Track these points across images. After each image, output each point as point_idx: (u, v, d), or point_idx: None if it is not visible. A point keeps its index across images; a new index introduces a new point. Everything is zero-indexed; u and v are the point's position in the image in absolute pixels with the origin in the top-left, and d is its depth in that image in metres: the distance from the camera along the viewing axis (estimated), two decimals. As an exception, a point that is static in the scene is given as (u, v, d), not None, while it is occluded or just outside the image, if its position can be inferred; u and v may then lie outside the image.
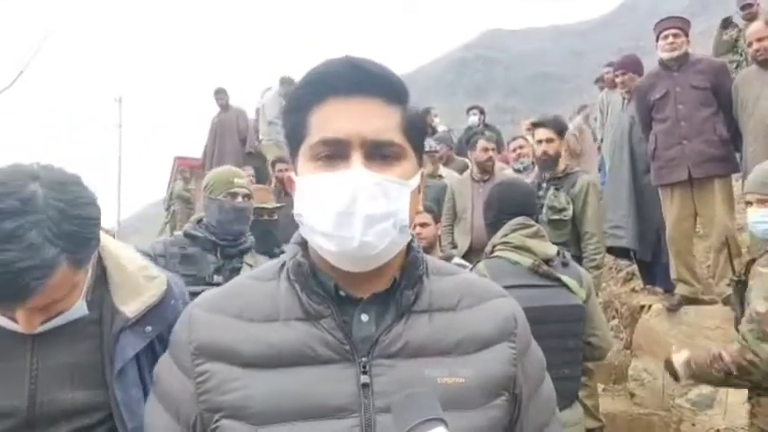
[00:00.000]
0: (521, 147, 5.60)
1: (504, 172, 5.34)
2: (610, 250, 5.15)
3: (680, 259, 4.42)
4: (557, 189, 3.92)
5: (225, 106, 8.82)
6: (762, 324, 2.23)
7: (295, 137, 0.96)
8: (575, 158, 6.38)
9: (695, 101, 4.28)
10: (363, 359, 0.93)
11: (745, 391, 3.05)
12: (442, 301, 1.00)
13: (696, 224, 4.56)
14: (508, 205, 2.65)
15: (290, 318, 0.95)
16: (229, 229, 2.74)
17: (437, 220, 3.50)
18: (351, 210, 0.88)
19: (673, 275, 4.51)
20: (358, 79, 0.91)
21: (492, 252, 2.55)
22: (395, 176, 0.92)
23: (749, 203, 2.80)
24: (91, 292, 1.25)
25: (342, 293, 0.96)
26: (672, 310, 4.53)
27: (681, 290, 4.48)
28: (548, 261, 2.47)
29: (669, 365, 2.58)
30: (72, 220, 1.08)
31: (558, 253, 2.54)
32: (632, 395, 4.67)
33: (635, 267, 5.74)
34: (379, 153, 0.91)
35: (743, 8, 6.49)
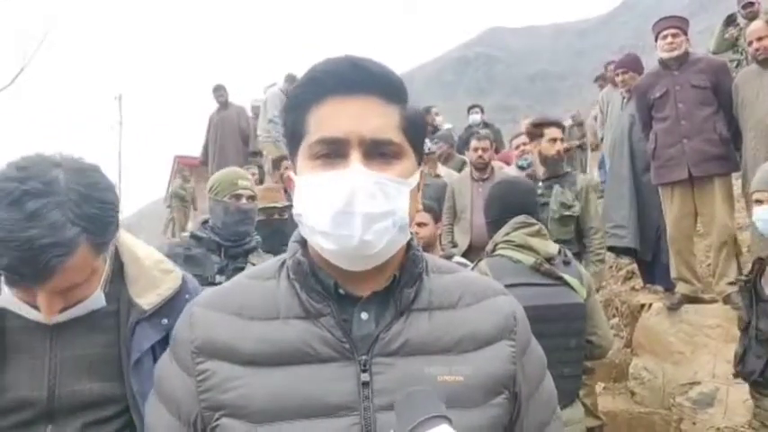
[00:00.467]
0: (524, 143, 5.60)
1: (503, 171, 5.34)
2: (611, 249, 5.16)
3: (680, 258, 4.42)
4: (561, 187, 3.96)
5: (224, 103, 8.74)
6: None
7: (294, 135, 0.96)
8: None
9: (695, 100, 4.27)
10: (363, 357, 0.93)
11: (746, 390, 3.05)
12: (442, 299, 1.00)
13: (696, 223, 4.56)
14: (509, 204, 2.65)
15: (290, 316, 0.95)
16: (235, 230, 2.76)
17: (437, 219, 3.49)
18: (349, 209, 0.88)
19: (673, 274, 4.51)
20: (357, 78, 0.91)
21: (494, 250, 2.55)
22: (394, 175, 0.92)
23: (759, 202, 2.80)
24: (108, 285, 1.28)
25: (341, 292, 0.96)
26: (672, 308, 4.53)
27: (681, 289, 4.48)
28: (549, 259, 2.47)
29: None
30: (92, 203, 1.12)
31: (560, 251, 2.54)
32: (633, 394, 4.67)
33: (635, 266, 5.74)
34: (377, 152, 0.91)
35: (744, 7, 6.47)
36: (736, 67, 6.13)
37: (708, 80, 4.27)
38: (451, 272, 1.06)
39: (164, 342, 1.30)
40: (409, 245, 1.01)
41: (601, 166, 8.71)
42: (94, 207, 1.12)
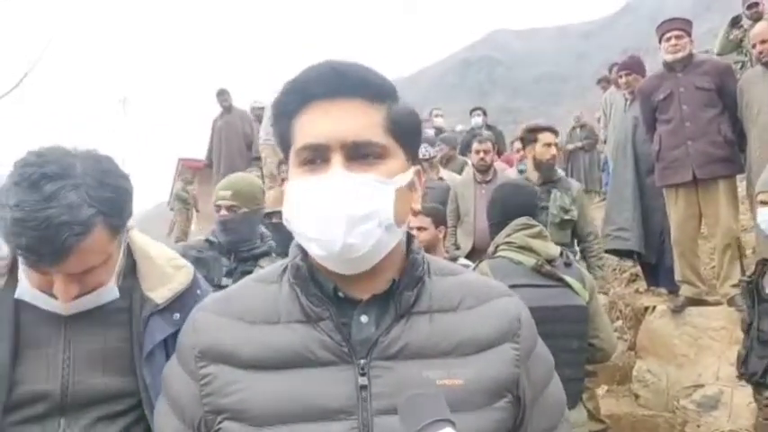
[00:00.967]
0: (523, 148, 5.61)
1: (506, 173, 5.34)
2: (613, 252, 5.15)
3: (684, 260, 4.40)
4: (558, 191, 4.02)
5: (228, 108, 8.80)
6: None
7: (283, 143, 0.98)
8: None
9: (700, 101, 4.26)
10: (362, 361, 0.92)
11: (751, 392, 3.04)
12: (443, 302, 0.99)
13: (701, 225, 4.54)
14: (512, 206, 2.66)
15: (291, 320, 0.95)
16: (224, 239, 2.79)
17: (438, 223, 3.47)
18: (331, 213, 0.89)
19: (677, 277, 4.50)
20: (337, 82, 0.92)
21: (495, 252, 2.55)
22: (378, 176, 0.91)
23: (764, 203, 2.79)
24: (121, 280, 1.30)
25: (341, 295, 0.96)
26: (676, 311, 4.52)
27: (685, 291, 4.46)
28: (550, 261, 2.47)
29: None
30: (108, 188, 1.16)
31: (561, 254, 2.54)
32: (636, 396, 4.66)
33: (639, 268, 5.72)
34: (360, 154, 0.91)
35: (749, 7, 6.47)
36: (741, 68, 6.13)
37: (712, 82, 4.26)
38: (454, 274, 1.05)
39: (176, 337, 1.32)
40: (410, 248, 1.01)
41: (603, 168, 8.70)
42: (110, 191, 1.16)
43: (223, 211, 2.81)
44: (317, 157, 0.92)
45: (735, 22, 6.53)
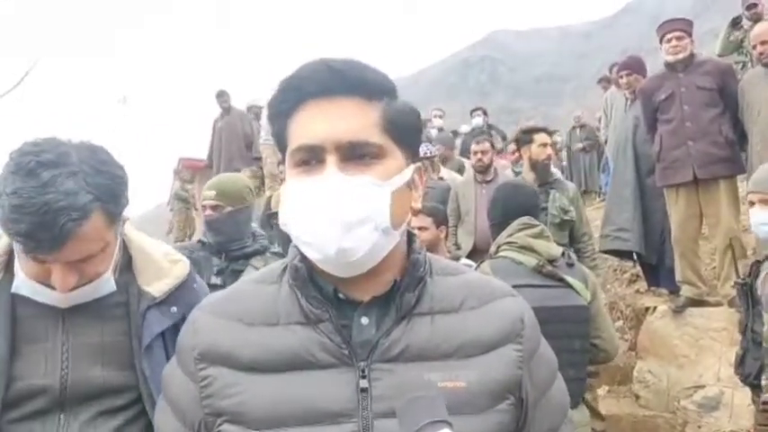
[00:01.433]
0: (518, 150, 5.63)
1: (506, 172, 5.35)
2: (613, 252, 5.14)
3: (685, 261, 4.40)
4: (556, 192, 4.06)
5: (227, 109, 8.84)
6: None
7: (280, 144, 0.96)
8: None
9: (701, 102, 4.26)
10: (362, 363, 0.91)
11: (750, 393, 3.04)
12: (445, 302, 0.98)
13: (701, 225, 4.54)
14: (512, 206, 2.66)
15: (291, 322, 0.94)
16: (212, 239, 2.80)
17: (440, 222, 3.47)
18: (325, 216, 0.87)
19: (678, 277, 4.49)
20: (332, 81, 0.90)
21: (497, 252, 2.55)
22: (374, 177, 0.90)
23: (752, 203, 2.78)
24: (118, 274, 1.30)
25: (341, 296, 0.95)
26: (677, 311, 4.51)
27: (686, 291, 4.46)
28: (552, 261, 2.46)
29: None
30: (104, 175, 1.17)
31: (563, 254, 2.53)
32: (637, 397, 4.66)
33: (640, 269, 5.72)
34: (356, 154, 0.90)
35: (748, 8, 6.47)
36: (742, 68, 6.12)
37: (713, 82, 4.26)
38: (456, 273, 1.04)
39: (173, 330, 1.32)
40: (411, 248, 0.99)
41: (604, 168, 8.69)
42: (106, 178, 1.17)
43: (208, 211, 2.82)
44: (311, 158, 0.90)
45: (735, 23, 6.53)
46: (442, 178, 5.78)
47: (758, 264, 2.80)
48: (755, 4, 6.41)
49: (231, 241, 2.78)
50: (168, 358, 1.29)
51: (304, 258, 0.96)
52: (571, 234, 4.10)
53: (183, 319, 1.33)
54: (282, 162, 1.02)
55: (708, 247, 5.27)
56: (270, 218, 3.98)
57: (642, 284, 5.76)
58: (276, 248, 3.16)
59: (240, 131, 8.75)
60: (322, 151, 0.89)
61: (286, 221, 0.93)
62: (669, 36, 4.40)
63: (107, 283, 1.26)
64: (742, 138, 4.29)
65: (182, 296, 1.35)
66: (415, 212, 1.00)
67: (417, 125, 1.00)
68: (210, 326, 0.97)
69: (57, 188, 1.09)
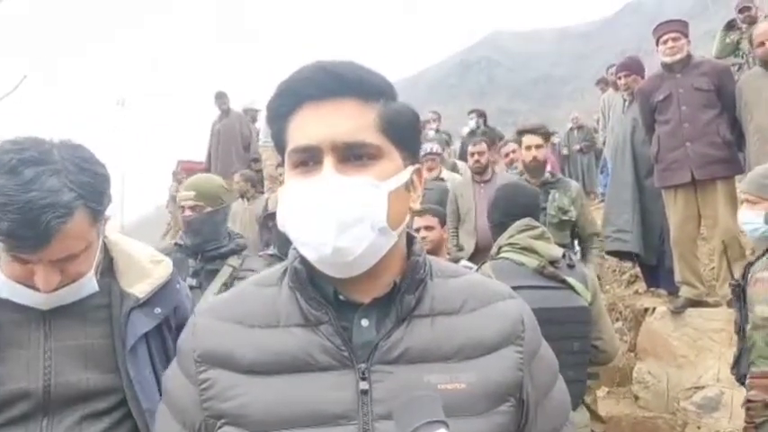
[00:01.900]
0: (513, 152, 5.65)
1: (504, 173, 5.36)
2: (612, 253, 5.14)
3: (684, 261, 4.40)
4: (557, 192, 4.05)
5: (226, 111, 8.85)
6: None
7: (279, 146, 0.97)
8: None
9: (698, 103, 4.26)
10: (362, 365, 0.91)
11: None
12: (445, 304, 0.98)
13: (700, 226, 4.54)
14: (513, 207, 2.66)
15: (291, 324, 0.94)
16: (189, 240, 2.80)
17: (443, 223, 3.50)
18: (321, 216, 0.88)
19: (677, 278, 4.49)
20: (329, 82, 0.91)
21: (498, 253, 2.55)
22: (370, 177, 0.90)
23: (742, 202, 2.79)
24: (99, 276, 1.29)
25: (342, 298, 0.95)
26: (676, 312, 4.51)
27: (685, 292, 4.45)
28: (553, 262, 2.47)
29: None
30: (87, 173, 1.17)
31: (564, 255, 2.53)
32: (636, 398, 4.66)
33: (638, 269, 5.72)
34: (352, 155, 0.90)
35: (741, 11, 6.50)
36: (738, 70, 6.13)
37: (711, 83, 4.26)
38: (457, 275, 1.04)
39: (157, 332, 1.33)
40: (411, 250, 0.99)
41: (602, 170, 8.70)
42: (89, 176, 1.17)
43: (187, 212, 2.82)
44: (309, 159, 0.91)
45: (730, 26, 6.56)
46: (442, 179, 5.80)
47: (750, 265, 2.81)
48: (749, 7, 6.44)
49: (208, 242, 2.79)
50: (152, 360, 1.31)
51: (304, 260, 0.96)
52: (577, 233, 4.13)
53: (167, 319, 1.35)
54: (282, 164, 1.02)
55: (706, 248, 5.27)
56: (268, 219, 3.98)
57: (641, 285, 5.77)
58: (272, 251, 3.18)
59: (238, 133, 8.77)
60: (319, 152, 0.90)
61: (284, 222, 0.93)
62: (665, 37, 4.40)
63: (89, 283, 1.25)
64: (740, 138, 4.29)
65: (165, 297, 1.35)
66: (420, 213, 1.00)
67: (415, 126, 1.00)
68: (210, 328, 0.97)
69: (40, 186, 1.09)
